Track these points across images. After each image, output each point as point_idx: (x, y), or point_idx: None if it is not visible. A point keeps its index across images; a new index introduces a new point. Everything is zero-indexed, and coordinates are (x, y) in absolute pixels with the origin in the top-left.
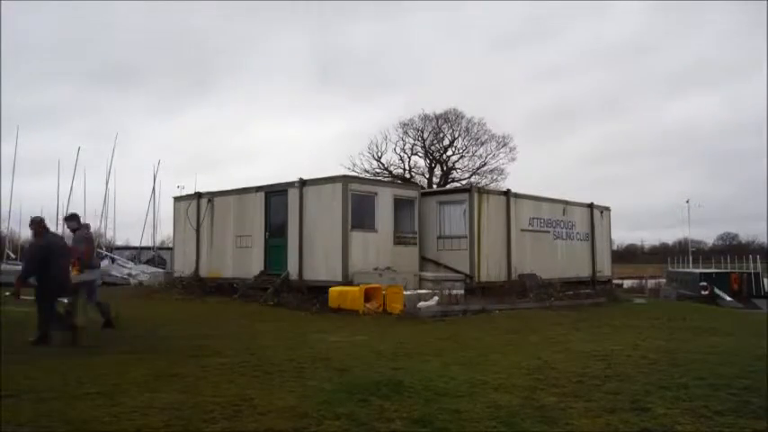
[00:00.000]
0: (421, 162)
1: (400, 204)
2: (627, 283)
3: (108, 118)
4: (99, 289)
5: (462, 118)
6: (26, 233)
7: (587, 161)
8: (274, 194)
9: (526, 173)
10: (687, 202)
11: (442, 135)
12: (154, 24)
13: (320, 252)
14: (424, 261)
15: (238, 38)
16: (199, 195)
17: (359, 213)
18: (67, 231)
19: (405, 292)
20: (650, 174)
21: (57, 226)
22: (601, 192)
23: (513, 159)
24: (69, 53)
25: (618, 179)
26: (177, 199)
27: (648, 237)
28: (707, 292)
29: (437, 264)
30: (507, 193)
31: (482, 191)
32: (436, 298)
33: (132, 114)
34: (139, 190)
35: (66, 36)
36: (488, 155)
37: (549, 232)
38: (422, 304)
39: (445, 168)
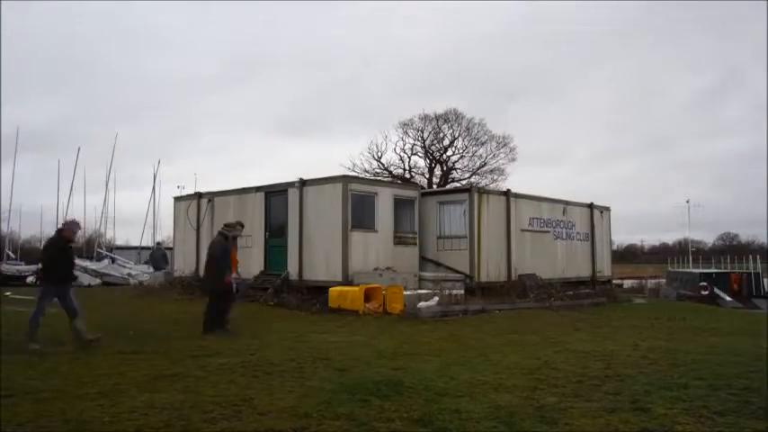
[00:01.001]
0: (421, 162)
1: (400, 204)
2: (627, 283)
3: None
4: None
5: (462, 118)
6: (27, 233)
7: (590, 164)
8: (274, 194)
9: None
10: (687, 201)
11: (442, 135)
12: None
13: (320, 252)
14: (424, 261)
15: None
16: (199, 195)
17: (359, 213)
18: None
19: (405, 292)
20: (652, 179)
21: (57, 225)
22: (602, 197)
23: (514, 159)
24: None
25: (620, 183)
26: (177, 199)
27: (648, 237)
28: (707, 292)
29: (437, 264)
30: (507, 193)
31: (482, 191)
32: (436, 298)
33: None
34: (140, 189)
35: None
36: (488, 155)
37: (548, 232)
38: (422, 304)
39: (445, 168)
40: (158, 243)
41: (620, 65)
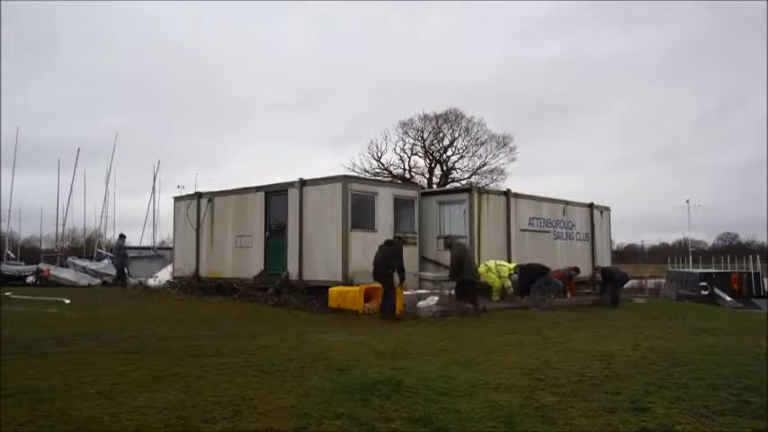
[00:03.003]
0: (421, 162)
1: (400, 204)
2: (627, 283)
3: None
4: None
5: (462, 118)
6: (27, 232)
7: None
8: (274, 194)
9: (528, 173)
10: (687, 201)
11: (442, 135)
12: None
13: (320, 252)
14: (424, 261)
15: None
16: (199, 195)
17: (359, 213)
18: None
19: (405, 292)
20: (657, 185)
21: (57, 225)
22: (606, 200)
23: (514, 159)
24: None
25: (625, 187)
26: (177, 199)
27: (649, 237)
28: (707, 292)
29: (437, 264)
30: (507, 193)
31: (482, 191)
32: (436, 298)
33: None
34: (140, 189)
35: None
36: (488, 155)
37: (548, 232)
38: (421, 304)
39: (445, 168)
40: (121, 236)
41: (635, 88)
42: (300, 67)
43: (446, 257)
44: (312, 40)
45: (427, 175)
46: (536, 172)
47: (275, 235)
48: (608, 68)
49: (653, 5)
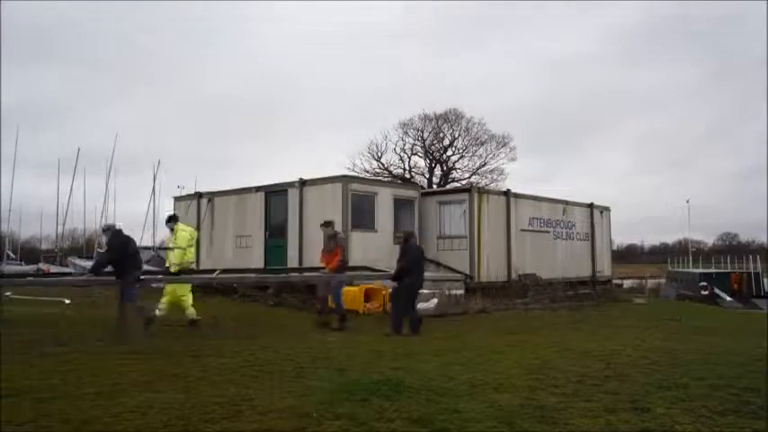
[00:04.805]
0: (421, 162)
1: (400, 204)
2: (627, 283)
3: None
4: None
5: (462, 118)
6: (26, 232)
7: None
8: (274, 194)
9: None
10: (687, 202)
11: (442, 135)
12: None
13: (320, 252)
14: (425, 261)
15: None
16: (199, 195)
17: (359, 213)
18: None
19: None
20: (658, 187)
21: (57, 225)
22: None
23: (514, 159)
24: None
25: (624, 190)
26: (177, 199)
27: (649, 237)
28: (707, 292)
29: (437, 264)
30: (507, 193)
31: (482, 191)
32: (435, 299)
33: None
34: (140, 189)
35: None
36: (488, 155)
37: (549, 232)
38: (421, 305)
39: (445, 168)
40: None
41: (649, 110)
42: (359, 88)
43: (446, 258)
44: (368, 62)
45: (427, 175)
46: (545, 177)
47: (275, 235)
48: (626, 93)
49: (668, 50)
